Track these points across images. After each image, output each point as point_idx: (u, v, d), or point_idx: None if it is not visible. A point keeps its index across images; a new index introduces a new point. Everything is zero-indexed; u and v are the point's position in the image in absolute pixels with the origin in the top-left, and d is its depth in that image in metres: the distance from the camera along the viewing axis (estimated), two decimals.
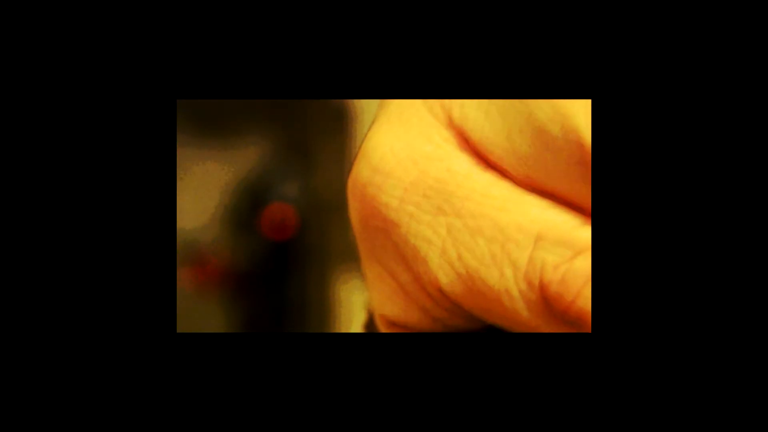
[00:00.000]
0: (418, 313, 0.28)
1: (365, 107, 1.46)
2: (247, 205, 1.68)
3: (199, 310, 1.66)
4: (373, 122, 0.29)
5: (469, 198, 0.27)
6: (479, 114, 0.27)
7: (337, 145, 1.54)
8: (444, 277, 0.27)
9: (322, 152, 1.62)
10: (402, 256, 0.28)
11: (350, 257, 1.53)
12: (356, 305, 1.53)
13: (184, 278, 1.63)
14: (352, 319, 1.52)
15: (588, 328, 0.26)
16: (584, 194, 0.26)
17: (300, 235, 1.65)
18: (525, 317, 0.27)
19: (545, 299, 0.26)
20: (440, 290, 0.27)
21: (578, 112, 0.26)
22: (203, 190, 1.66)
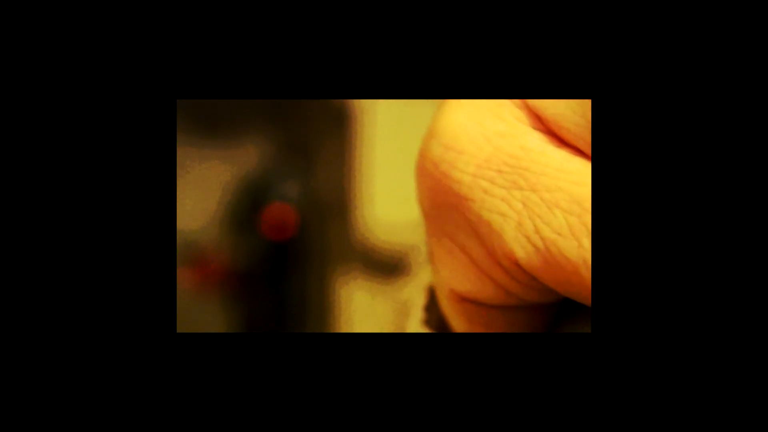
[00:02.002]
0: (491, 287, 0.29)
1: (365, 107, 1.46)
2: (247, 205, 1.68)
3: (199, 310, 1.66)
4: (441, 102, 0.29)
5: (545, 173, 0.27)
6: None
7: (337, 145, 1.54)
8: (520, 249, 0.27)
9: (322, 152, 1.62)
10: (475, 231, 0.28)
11: (350, 257, 1.53)
12: (356, 305, 1.53)
13: (184, 278, 1.63)
14: (352, 319, 1.52)
15: None
16: None
17: (300, 235, 1.65)
18: None
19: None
20: (516, 263, 0.27)
21: None
22: (203, 190, 1.66)
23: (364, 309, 1.51)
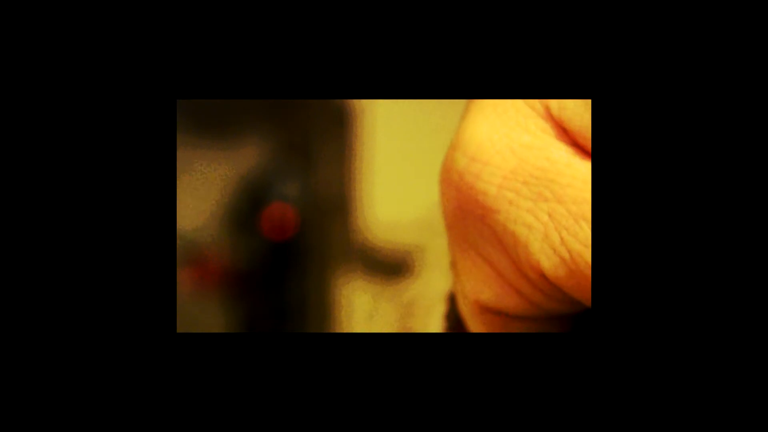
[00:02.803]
0: (516, 298, 0.29)
1: (365, 107, 1.46)
2: (247, 205, 1.68)
3: (199, 310, 1.66)
4: (464, 113, 0.29)
5: (571, 185, 0.27)
6: (578, 104, 0.27)
7: (337, 145, 1.54)
8: (546, 261, 0.27)
9: (322, 152, 1.62)
10: (500, 241, 0.28)
11: (350, 257, 1.53)
12: (356, 305, 1.53)
13: (184, 278, 1.63)
14: (352, 319, 1.52)
15: None
16: None
17: (300, 235, 1.65)
18: None
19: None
20: (542, 274, 0.28)
21: None
22: (203, 190, 1.66)
23: (365, 309, 1.51)
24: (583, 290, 0.27)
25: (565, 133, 0.28)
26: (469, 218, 0.29)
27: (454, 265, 0.30)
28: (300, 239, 1.65)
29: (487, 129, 0.28)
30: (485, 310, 0.29)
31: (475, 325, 0.30)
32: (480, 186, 0.28)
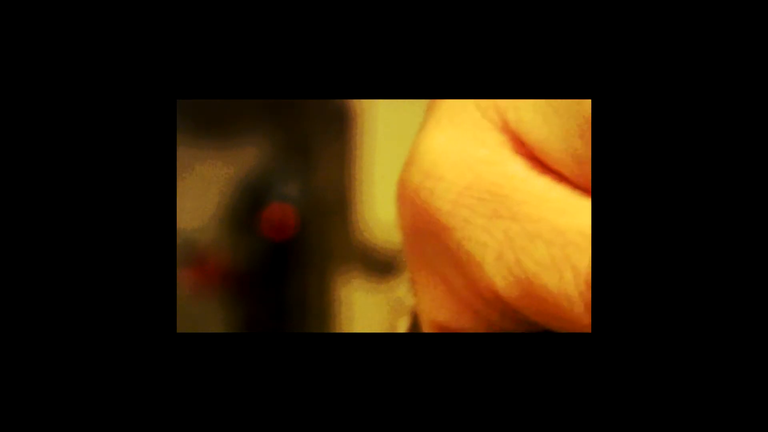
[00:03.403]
0: (471, 317, 0.28)
1: (365, 107, 1.46)
2: (247, 205, 1.68)
3: (199, 310, 1.66)
4: (421, 125, 0.28)
5: (527, 202, 0.26)
6: (535, 116, 0.26)
7: (337, 145, 1.54)
8: (501, 281, 0.27)
9: (322, 152, 1.61)
10: (455, 260, 0.27)
11: (350, 257, 1.53)
12: (356, 305, 1.53)
13: (184, 278, 1.63)
14: (352, 319, 1.52)
15: None
16: None
17: (300, 235, 1.65)
18: (584, 321, 0.26)
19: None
20: (496, 294, 0.27)
21: None
22: (203, 190, 1.66)
23: (364, 309, 1.51)
24: (538, 311, 0.26)
25: (522, 145, 0.27)
26: (425, 235, 0.28)
27: (412, 282, 0.29)
28: (300, 239, 1.65)
29: (442, 142, 0.27)
30: (442, 328, 0.29)
31: None
32: (435, 202, 0.27)
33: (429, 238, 0.28)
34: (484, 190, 0.27)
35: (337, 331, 1.52)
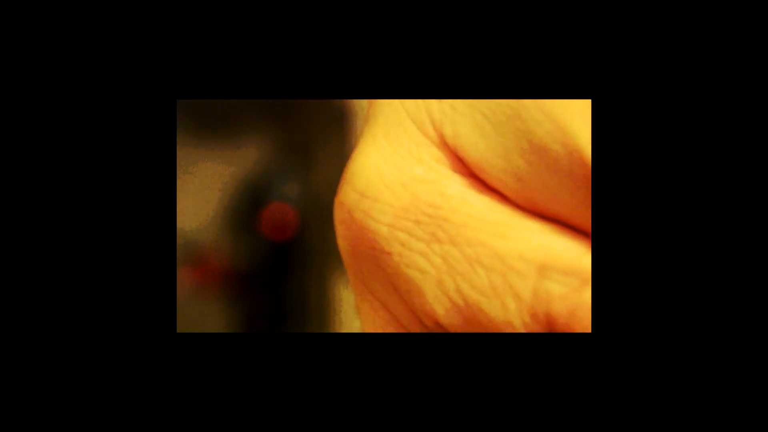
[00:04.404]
0: None
1: (365, 107, 1.46)
2: (247, 205, 1.68)
3: (199, 310, 1.66)
4: (359, 139, 0.27)
5: (465, 224, 0.25)
6: (473, 131, 0.25)
7: (337, 145, 1.54)
8: (441, 309, 0.26)
9: (322, 152, 1.61)
10: (394, 286, 0.26)
11: None
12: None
13: (184, 278, 1.63)
14: (352, 319, 1.52)
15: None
16: (589, 218, 0.25)
17: (300, 235, 1.65)
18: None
19: (553, 332, 0.25)
20: (437, 322, 0.26)
21: (580, 130, 0.24)
22: (203, 190, 1.66)
23: None
24: None
25: (461, 162, 0.26)
26: (362, 258, 0.26)
27: (357, 308, 0.28)
28: (300, 239, 1.65)
29: (377, 159, 0.26)
30: None
31: None
32: (371, 225, 0.26)
33: (367, 261, 0.26)
34: (420, 212, 0.25)
35: (337, 331, 1.52)
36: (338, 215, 0.27)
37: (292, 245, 1.66)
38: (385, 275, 0.26)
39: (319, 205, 1.63)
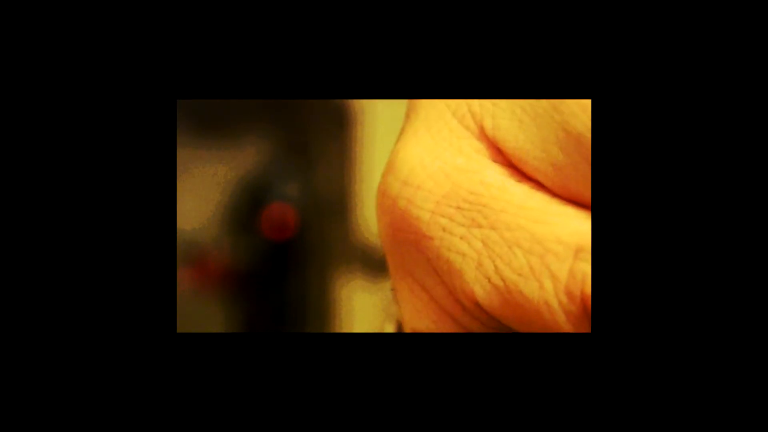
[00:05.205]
0: (451, 325, 0.28)
1: (365, 107, 1.46)
2: (247, 205, 1.68)
3: (199, 310, 1.66)
4: (400, 134, 0.28)
5: (505, 210, 0.26)
6: (512, 124, 0.27)
7: (338, 145, 1.54)
8: (480, 290, 0.27)
9: (322, 152, 1.62)
10: (435, 269, 0.27)
11: (350, 257, 1.53)
12: (356, 305, 1.53)
13: (184, 278, 1.63)
14: (352, 319, 1.52)
15: None
16: None
17: (300, 235, 1.65)
18: (565, 329, 0.26)
19: (587, 311, 0.26)
20: (476, 303, 0.27)
21: None
22: (203, 190, 1.66)
23: (364, 309, 1.51)
24: (518, 320, 0.26)
25: (500, 153, 0.27)
26: (404, 244, 0.28)
27: (394, 291, 0.29)
28: (300, 239, 1.65)
29: (419, 151, 0.27)
30: None
31: None
32: (413, 211, 0.27)
33: (409, 247, 0.28)
34: (461, 199, 0.27)
35: (337, 331, 1.52)
36: (381, 204, 0.28)
37: (292, 245, 1.66)
38: (426, 260, 0.27)
39: (319, 205, 1.63)
